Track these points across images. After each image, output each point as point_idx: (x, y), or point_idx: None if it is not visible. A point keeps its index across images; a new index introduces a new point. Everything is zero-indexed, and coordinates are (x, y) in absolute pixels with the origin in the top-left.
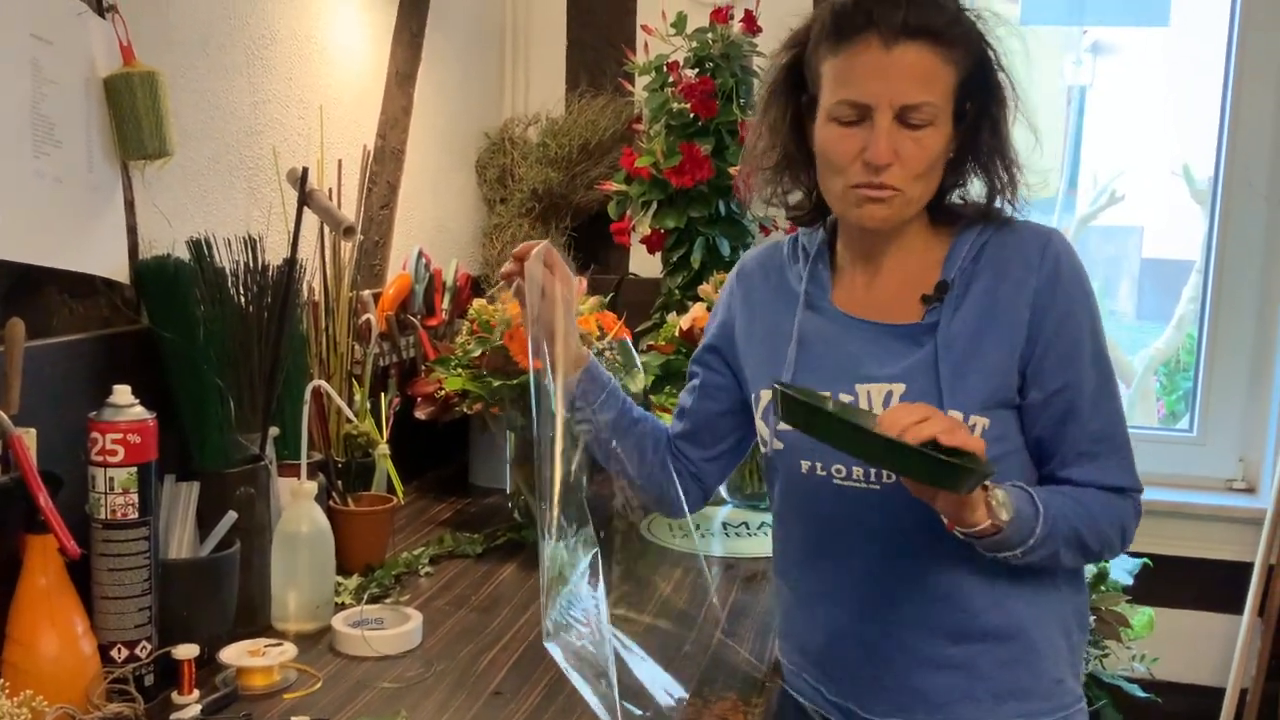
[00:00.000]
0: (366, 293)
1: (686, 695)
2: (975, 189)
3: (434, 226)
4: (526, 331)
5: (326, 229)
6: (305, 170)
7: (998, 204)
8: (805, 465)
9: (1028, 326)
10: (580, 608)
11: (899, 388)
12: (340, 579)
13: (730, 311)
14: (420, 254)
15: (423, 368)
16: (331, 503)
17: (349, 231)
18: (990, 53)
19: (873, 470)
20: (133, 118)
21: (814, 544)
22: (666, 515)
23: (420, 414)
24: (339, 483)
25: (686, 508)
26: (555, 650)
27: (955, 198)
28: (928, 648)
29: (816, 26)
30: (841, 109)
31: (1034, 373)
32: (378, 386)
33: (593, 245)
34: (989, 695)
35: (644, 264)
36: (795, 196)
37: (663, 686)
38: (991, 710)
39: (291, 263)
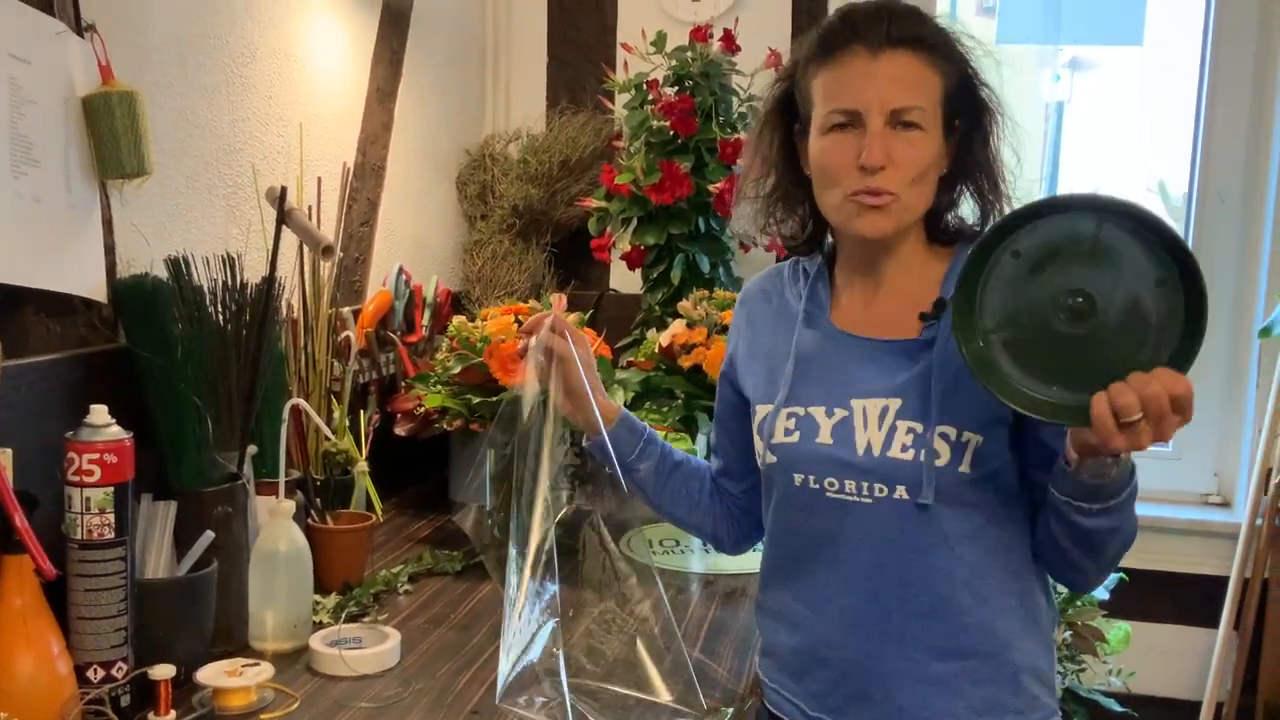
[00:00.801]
0: (346, 310)
1: None
2: (968, 211)
3: (414, 243)
4: (553, 398)
5: (305, 246)
6: (284, 189)
7: (992, 221)
8: (799, 478)
9: None
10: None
11: (895, 402)
12: (319, 597)
13: (736, 338)
14: (400, 270)
15: (403, 384)
16: (310, 521)
17: (328, 251)
18: (971, 70)
19: (865, 483)
20: (111, 137)
21: (804, 558)
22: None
23: (400, 430)
24: (318, 500)
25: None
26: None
27: (951, 220)
28: (913, 663)
29: (804, 51)
30: (834, 118)
31: None
32: (357, 403)
33: (573, 261)
34: (967, 711)
35: (624, 280)
36: (790, 226)
37: None
38: None
39: (270, 281)
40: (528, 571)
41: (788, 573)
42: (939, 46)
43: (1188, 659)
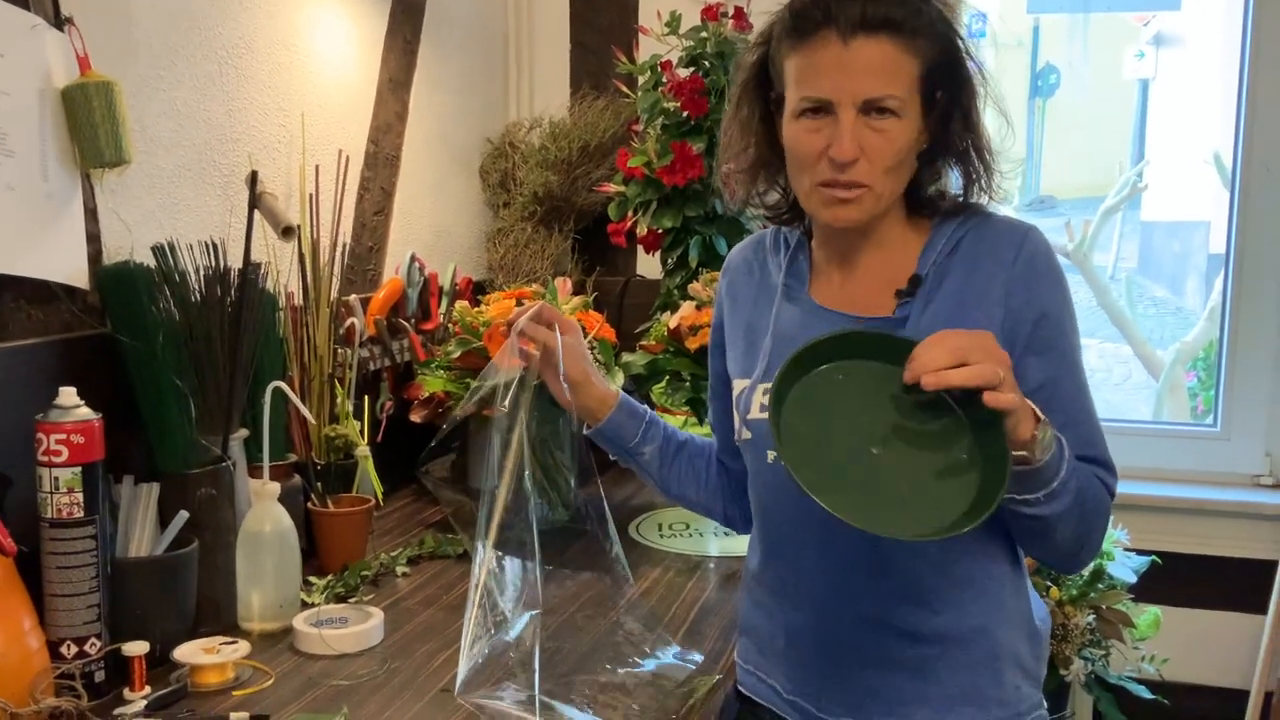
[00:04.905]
0: (353, 297)
1: None
2: (954, 182)
3: (433, 231)
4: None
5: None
6: (254, 173)
7: (976, 195)
8: (771, 455)
9: (1002, 325)
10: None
11: None
12: (315, 579)
13: (720, 308)
14: (413, 258)
15: (417, 371)
16: (310, 504)
17: (288, 232)
18: (958, 41)
19: None
20: (89, 126)
21: (777, 537)
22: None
23: (415, 417)
24: (319, 484)
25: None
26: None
27: (932, 192)
28: (884, 647)
29: (777, 25)
30: (805, 105)
31: (1016, 369)
32: (368, 390)
33: (598, 247)
34: (943, 698)
35: (651, 266)
36: (772, 197)
37: None
38: (944, 713)
39: (245, 264)
40: (490, 558)
41: (766, 552)
42: (918, 27)
43: (1232, 646)
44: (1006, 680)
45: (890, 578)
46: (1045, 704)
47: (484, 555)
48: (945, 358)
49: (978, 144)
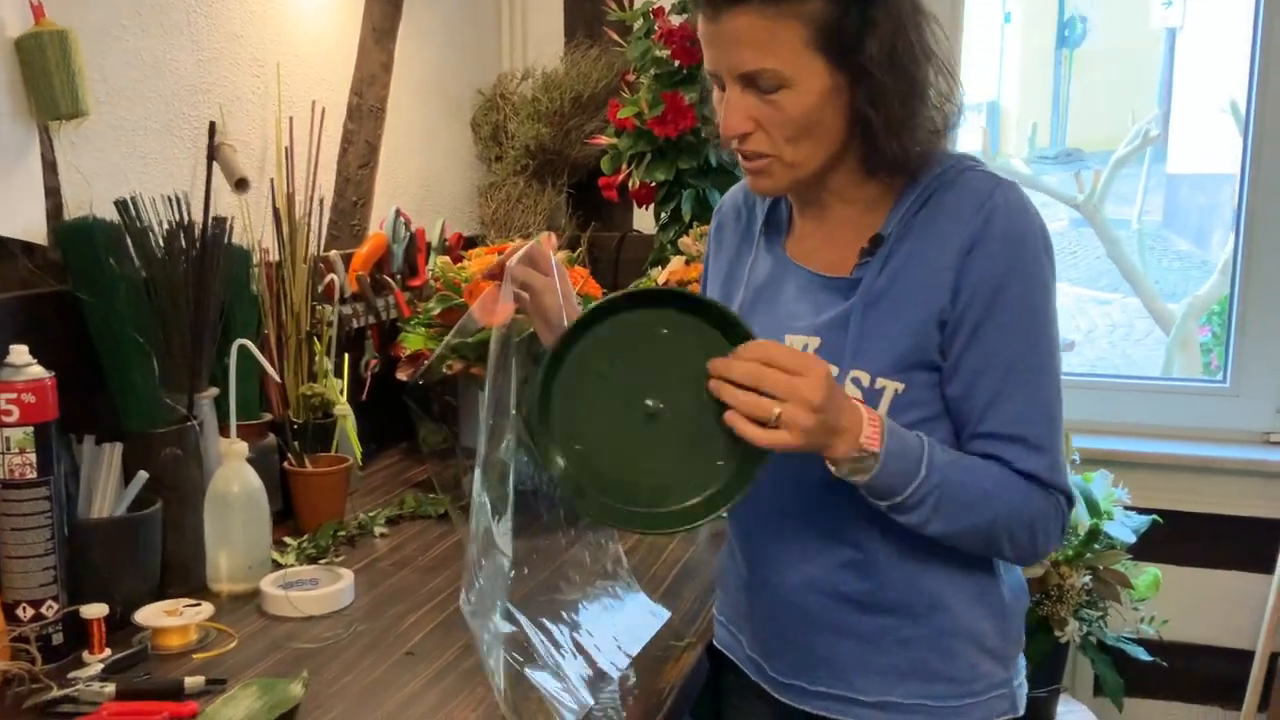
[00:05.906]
0: (334, 253)
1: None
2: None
3: (421, 186)
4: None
5: (278, 187)
6: (212, 124)
7: (937, 145)
8: None
9: (952, 286)
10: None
11: (814, 341)
12: (290, 540)
13: (708, 254)
14: (398, 213)
15: (401, 328)
16: (287, 464)
17: (241, 184)
18: None
19: None
20: (44, 76)
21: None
22: None
23: (401, 375)
24: (295, 444)
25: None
26: (471, 620)
27: (895, 150)
28: (832, 613)
29: None
30: (710, 79)
31: (952, 334)
32: (352, 348)
33: (593, 202)
34: (890, 670)
35: (647, 221)
36: None
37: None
38: (891, 686)
39: (205, 217)
40: (479, 513)
41: (731, 514)
42: None
43: (1237, 606)
44: (960, 658)
45: (841, 544)
46: (1017, 681)
47: (474, 509)
48: (741, 374)
49: (915, 92)
